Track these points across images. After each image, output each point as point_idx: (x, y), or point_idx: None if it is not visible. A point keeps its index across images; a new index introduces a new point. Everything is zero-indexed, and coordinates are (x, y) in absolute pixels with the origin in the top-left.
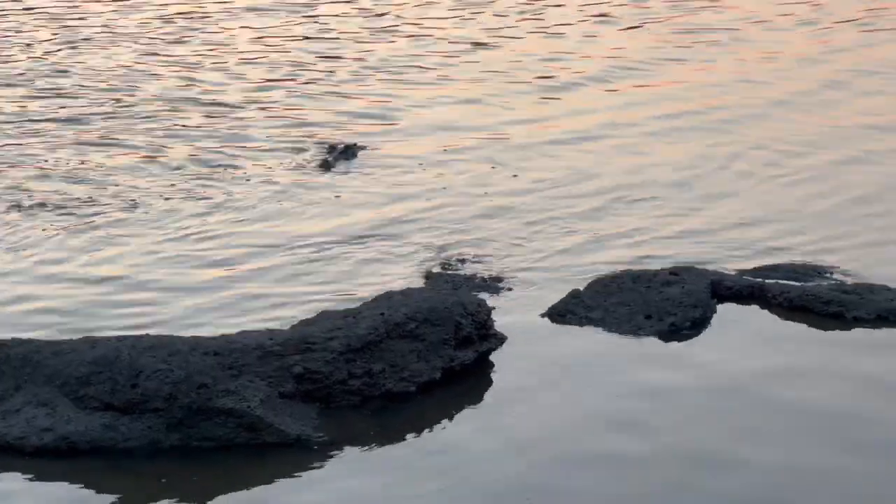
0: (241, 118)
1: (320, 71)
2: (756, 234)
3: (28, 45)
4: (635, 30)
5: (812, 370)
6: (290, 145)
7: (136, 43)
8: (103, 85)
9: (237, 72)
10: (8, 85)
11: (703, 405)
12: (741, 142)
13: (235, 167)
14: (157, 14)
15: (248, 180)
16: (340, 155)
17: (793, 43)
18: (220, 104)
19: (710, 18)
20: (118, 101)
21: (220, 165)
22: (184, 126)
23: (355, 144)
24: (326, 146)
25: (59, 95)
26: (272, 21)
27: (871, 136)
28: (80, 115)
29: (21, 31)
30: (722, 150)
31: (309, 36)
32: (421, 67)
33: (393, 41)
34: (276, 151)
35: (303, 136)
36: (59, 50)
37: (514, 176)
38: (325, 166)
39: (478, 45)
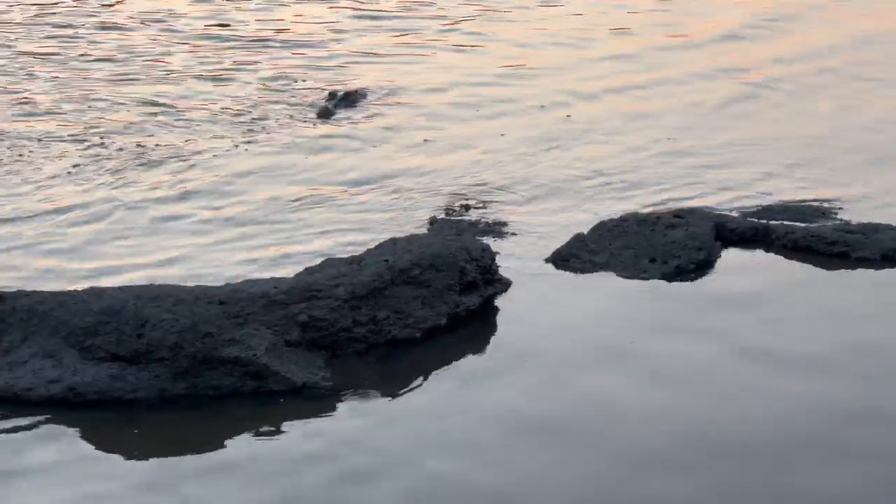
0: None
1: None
2: (759, 175)
3: None
4: None
5: (814, 313)
6: (290, 94)
7: None
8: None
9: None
10: None
11: (707, 348)
12: (744, 82)
13: (231, 116)
14: None
15: (249, 130)
16: (340, 102)
17: None
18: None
19: None
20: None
21: (210, 116)
22: (177, 71)
23: (356, 91)
24: (327, 93)
25: None
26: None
27: (878, 68)
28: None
29: None
30: (724, 90)
31: None
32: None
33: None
34: (279, 102)
35: (306, 87)
36: None
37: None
38: (325, 114)
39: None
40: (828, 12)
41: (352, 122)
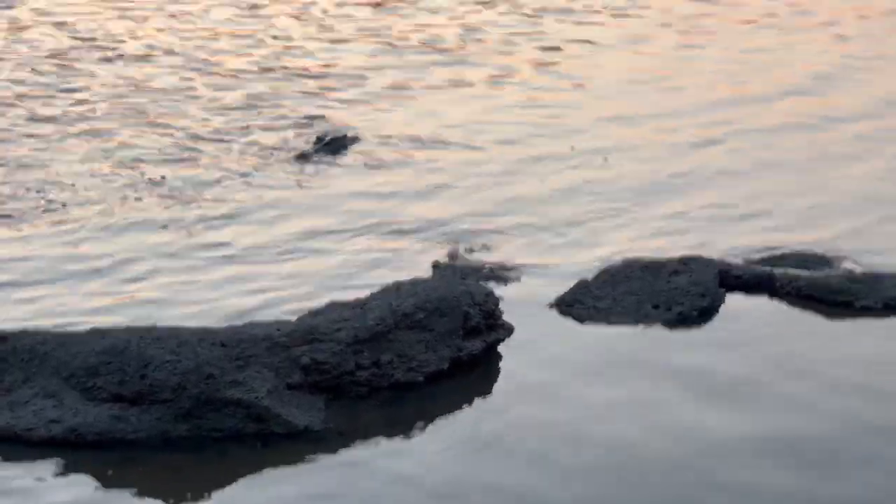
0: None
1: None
2: (764, 223)
3: None
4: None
5: (820, 359)
6: (292, 132)
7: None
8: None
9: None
10: None
11: (710, 394)
12: (743, 129)
13: (220, 155)
14: None
15: (239, 172)
16: (325, 146)
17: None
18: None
19: None
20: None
21: (203, 155)
22: (182, 109)
23: (345, 136)
24: (315, 136)
25: None
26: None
27: (879, 119)
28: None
29: None
30: (726, 137)
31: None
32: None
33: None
34: (276, 140)
35: (306, 127)
36: None
37: (523, 169)
38: (303, 158)
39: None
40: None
41: (341, 166)
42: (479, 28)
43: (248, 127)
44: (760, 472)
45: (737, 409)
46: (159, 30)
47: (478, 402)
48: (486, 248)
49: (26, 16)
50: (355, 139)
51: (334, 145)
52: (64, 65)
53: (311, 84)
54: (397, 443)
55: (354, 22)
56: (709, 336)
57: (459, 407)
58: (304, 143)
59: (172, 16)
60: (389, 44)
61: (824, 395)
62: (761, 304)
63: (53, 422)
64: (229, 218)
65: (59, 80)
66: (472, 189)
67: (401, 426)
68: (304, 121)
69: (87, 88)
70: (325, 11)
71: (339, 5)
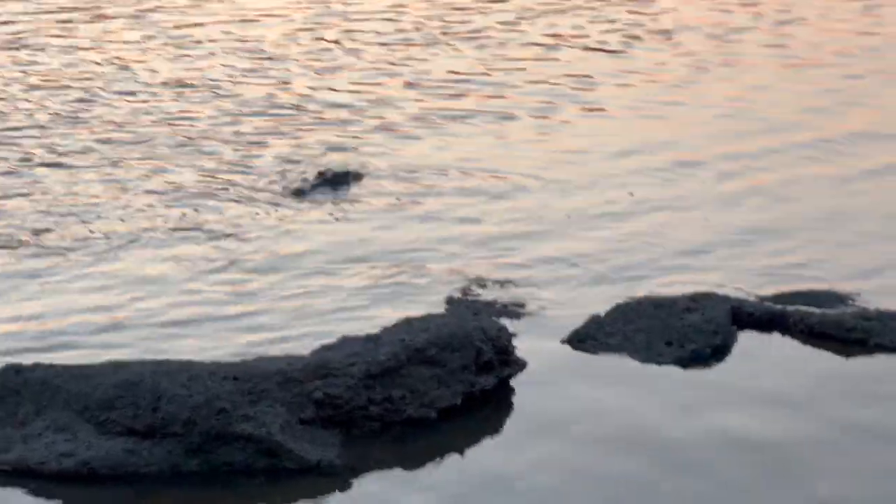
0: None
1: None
2: (776, 260)
3: None
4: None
5: (833, 397)
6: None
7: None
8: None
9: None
10: None
11: (724, 431)
12: (757, 166)
13: (231, 188)
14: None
15: (251, 205)
16: (326, 182)
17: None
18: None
19: None
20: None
21: (214, 188)
22: (184, 147)
23: (348, 172)
24: (316, 172)
25: None
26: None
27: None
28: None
29: None
30: (739, 173)
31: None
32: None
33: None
34: (278, 173)
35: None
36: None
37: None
38: (298, 194)
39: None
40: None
41: (347, 201)
42: (505, 59)
43: (259, 158)
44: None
45: (753, 449)
46: (174, 58)
47: (490, 437)
48: (498, 283)
49: (52, 46)
50: (359, 175)
51: (335, 181)
52: (83, 96)
53: (328, 115)
54: (410, 478)
55: (378, 53)
56: (722, 374)
57: (472, 443)
58: (303, 179)
59: (183, 45)
60: (414, 75)
61: (842, 434)
62: (774, 342)
63: (66, 455)
64: (239, 252)
65: (77, 108)
66: (484, 224)
67: (413, 461)
68: (319, 153)
69: (99, 118)
70: (351, 40)
71: (362, 36)
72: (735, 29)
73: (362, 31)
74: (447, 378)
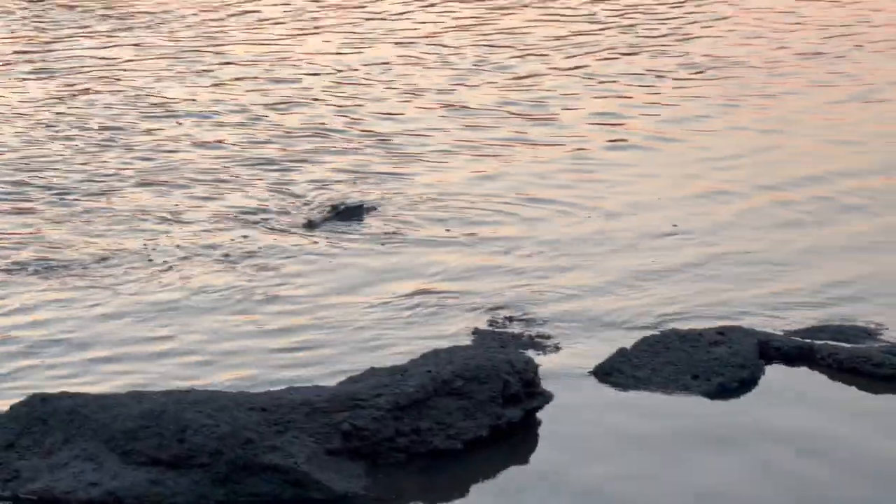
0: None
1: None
2: (804, 294)
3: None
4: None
5: (863, 433)
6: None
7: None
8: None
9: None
10: None
11: (752, 468)
12: (790, 198)
13: (258, 223)
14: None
15: (270, 235)
16: (338, 216)
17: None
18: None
19: None
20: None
21: (246, 220)
22: (216, 179)
23: (362, 206)
24: (330, 205)
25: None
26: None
27: None
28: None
29: None
30: (767, 205)
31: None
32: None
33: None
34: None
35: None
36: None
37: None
38: (310, 226)
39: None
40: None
41: (368, 234)
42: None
43: (284, 185)
44: None
45: (777, 484)
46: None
47: (516, 469)
48: (525, 315)
49: (92, 77)
50: (373, 208)
51: (347, 215)
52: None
53: (356, 143)
54: None
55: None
56: (749, 407)
57: (498, 474)
58: (319, 211)
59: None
60: (445, 103)
61: (873, 469)
62: (802, 376)
63: (92, 485)
64: (265, 283)
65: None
66: (511, 255)
67: (439, 493)
68: (341, 181)
69: (131, 147)
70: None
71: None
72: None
73: (397, 59)
74: (474, 410)
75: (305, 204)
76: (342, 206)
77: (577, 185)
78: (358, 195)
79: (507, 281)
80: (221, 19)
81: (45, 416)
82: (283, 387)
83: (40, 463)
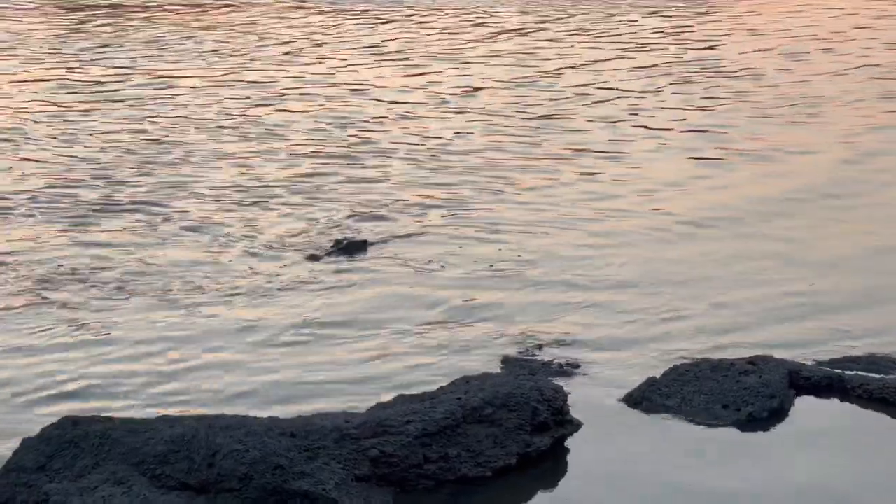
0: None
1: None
2: (835, 324)
3: None
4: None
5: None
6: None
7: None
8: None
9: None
10: None
11: (786, 497)
12: (820, 232)
13: (278, 247)
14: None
15: (302, 261)
16: (341, 251)
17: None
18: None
19: None
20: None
21: (269, 247)
22: (237, 190)
23: (365, 242)
24: (333, 240)
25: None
26: None
27: None
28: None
29: None
30: (797, 234)
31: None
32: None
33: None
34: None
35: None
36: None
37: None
38: (313, 259)
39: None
40: None
41: (396, 259)
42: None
43: (300, 214)
44: None
45: None
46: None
47: (545, 497)
48: (554, 343)
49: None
50: (374, 244)
51: (351, 250)
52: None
53: (369, 172)
54: None
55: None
56: (779, 438)
57: (527, 502)
58: (319, 246)
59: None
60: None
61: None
62: (832, 407)
63: None
64: (294, 310)
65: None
66: (540, 284)
67: None
68: (346, 215)
69: (147, 172)
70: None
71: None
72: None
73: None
74: (503, 438)
75: (340, 228)
76: (345, 242)
77: (599, 214)
78: (360, 230)
79: (536, 309)
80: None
81: (76, 439)
82: (311, 413)
83: (70, 486)
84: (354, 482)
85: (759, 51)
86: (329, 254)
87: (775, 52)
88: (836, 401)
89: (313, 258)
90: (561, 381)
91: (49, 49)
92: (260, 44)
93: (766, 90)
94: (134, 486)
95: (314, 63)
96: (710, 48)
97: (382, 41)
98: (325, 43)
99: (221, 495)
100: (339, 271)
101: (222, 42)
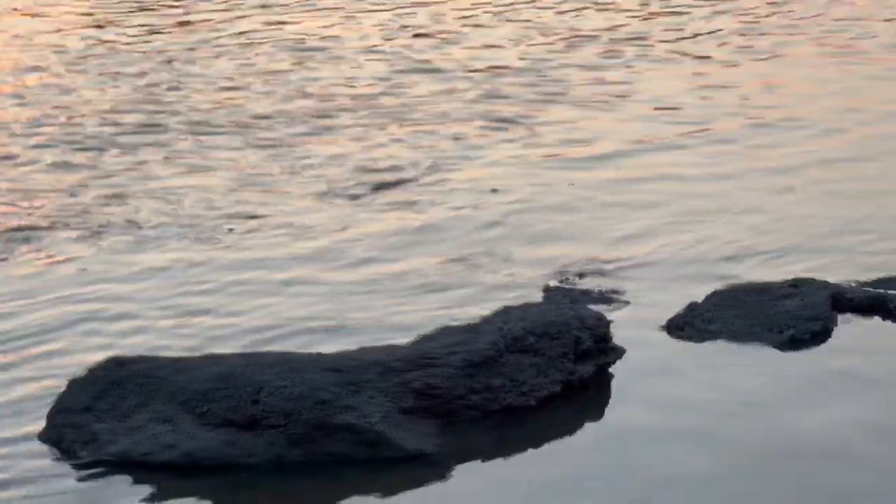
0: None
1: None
2: (877, 245)
3: None
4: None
5: None
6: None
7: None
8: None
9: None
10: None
11: (830, 424)
12: (858, 156)
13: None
14: None
15: (338, 204)
16: (381, 188)
17: None
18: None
19: None
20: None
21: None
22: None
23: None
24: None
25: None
26: None
27: None
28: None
29: None
30: (839, 157)
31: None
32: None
33: None
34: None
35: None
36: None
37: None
38: (355, 198)
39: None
40: None
41: (421, 199)
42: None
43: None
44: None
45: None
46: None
47: (590, 426)
48: (595, 271)
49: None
50: (441, 169)
51: (391, 186)
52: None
53: (408, 117)
54: (508, 466)
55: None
56: (826, 359)
57: (572, 431)
58: (360, 183)
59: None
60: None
61: None
62: (875, 326)
63: (169, 447)
64: (333, 247)
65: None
66: (578, 212)
67: (512, 450)
68: (386, 157)
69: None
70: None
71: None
72: None
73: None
74: (546, 367)
75: (381, 169)
76: (387, 183)
77: (642, 143)
78: (431, 160)
79: (576, 237)
80: None
81: (122, 379)
82: (355, 348)
83: (117, 426)
84: (399, 415)
85: None
86: (397, 183)
87: None
88: (879, 320)
89: (354, 198)
90: (602, 308)
91: None
92: None
93: None
94: (180, 424)
95: None
96: None
97: None
98: None
99: (267, 431)
100: (381, 207)
101: None
